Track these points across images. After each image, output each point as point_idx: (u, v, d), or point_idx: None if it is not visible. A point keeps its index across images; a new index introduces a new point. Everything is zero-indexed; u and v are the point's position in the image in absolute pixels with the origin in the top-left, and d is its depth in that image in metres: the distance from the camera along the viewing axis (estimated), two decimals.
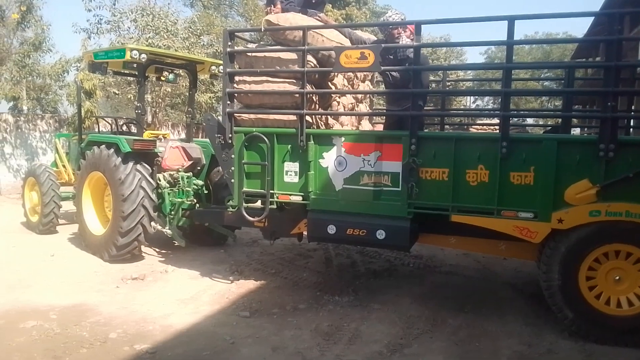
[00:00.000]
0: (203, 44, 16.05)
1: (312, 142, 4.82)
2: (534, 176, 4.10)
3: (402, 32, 5.17)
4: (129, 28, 14.64)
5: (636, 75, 6.40)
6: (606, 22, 4.17)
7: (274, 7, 5.42)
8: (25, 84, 14.64)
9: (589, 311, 4.06)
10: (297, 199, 4.99)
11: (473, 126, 8.49)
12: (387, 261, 6.50)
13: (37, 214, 7.78)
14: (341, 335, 4.17)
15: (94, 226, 6.62)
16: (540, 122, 9.32)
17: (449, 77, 8.72)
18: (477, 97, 38.63)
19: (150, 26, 14.14)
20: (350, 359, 3.76)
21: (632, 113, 8.90)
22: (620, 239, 3.97)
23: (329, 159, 4.81)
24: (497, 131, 4.76)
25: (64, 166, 8.17)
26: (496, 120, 7.16)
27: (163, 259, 6.51)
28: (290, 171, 4.99)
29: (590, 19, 17.00)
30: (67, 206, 8.02)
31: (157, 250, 6.90)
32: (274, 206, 5.10)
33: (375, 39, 5.84)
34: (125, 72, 7.73)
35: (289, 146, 4.94)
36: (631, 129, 7.15)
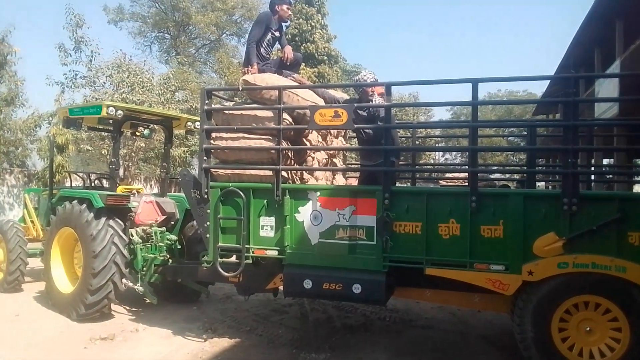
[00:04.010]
0: (178, 99, 16.27)
1: (288, 196, 4.89)
2: (503, 229, 4.24)
3: (375, 90, 5.42)
4: (104, 83, 14.77)
5: (594, 132, 6.79)
6: (563, 83, 4.48)
7: (251, 67, 5.63)
8: None
9: None
10: (272, 253, 5.00)
11: (442, 180, 8.72)
12: (363, 315, 6.45)
13: (2, 272, 7.50)
14: None
15: (62, 284, 6.40)
16: (507, 176, 9.67)
17: (418, 134, 9.03)
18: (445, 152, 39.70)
19: (126, 82, 14.31)
20: None
21: (592, 168, 9.34)
22: (588, 290, 4.09)
23: (304, 213, 4.88)
24: (466, 184, 4.93)
25: (32, 222, 7.96)
26: (465, 174, 7.41)
27: (133, 317, 6.30)
28: (266, 226, 5.03)
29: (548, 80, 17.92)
30: (33, 263, 7.77)
31: (127, 308, 6.68)
32: (250, 261, 5.08)
33: (348, 97, 6.08)
34: (100, 127, 7.77)
35: (265, 201, 5.00)
36: (592, 183, 7.48)
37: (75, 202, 6.18)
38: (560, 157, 4.86)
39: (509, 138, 29.87)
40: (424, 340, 5.56)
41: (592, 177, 7.42)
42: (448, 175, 8.57)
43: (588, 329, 4.12)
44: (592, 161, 13.57)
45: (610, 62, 14.82)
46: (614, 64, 14.07)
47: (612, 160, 16.16)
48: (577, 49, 16.65)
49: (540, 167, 8.70)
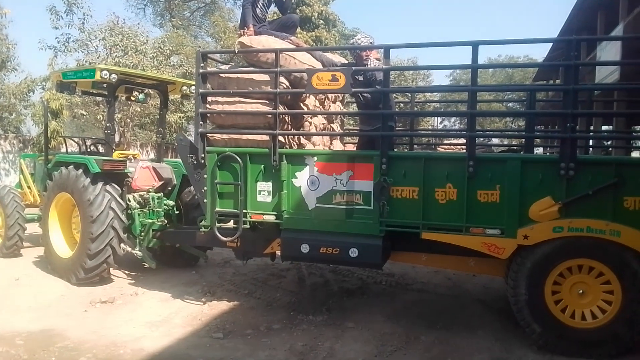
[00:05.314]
0: (173, 64, 16.01)
1: (285, 161, 4.87)
2: (500, 194, 4.26)
3: (370, 54, 5.32)
4: (97, 47, 14.49)
5: (593, 97, 6.72)
6: (564, 48, 4.40)
7: (247, 29, 5.51)
8: None
9: (555, 325, 4.20)
10: (270, 218, 5.01)
11: (441, 146, 8.70)
12: (360, 279, 6.54)
13: (0, 237, 7.53)
14: (316, 355, 4.17)
15: (61, 249, 6.44)
16: (505, 142, 9.63)
17: (417, 99, 8.95)
18: (444, 117, 39.54)
19: (119, 45, 14.04)
20: None
21: (591, 133, 9.30)
22: (582, 254, 4.14)
23: (301, 178, 4.87)
24: (464, 151, 4.91)
25: (29, 187, 7.94)
26: (463, 140, 7.38)
27: (133, 281, 6.38)
28: (263, 191, 5.02)
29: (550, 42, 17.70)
30: (32, 228, 7.80)
31: (127, 272, 6.75)
32: (247, 226, 5.10)
33: (346, 61, 5.98)
34: (94, 92, 7.65)
35: (262, 166, 4.98)
36: (590, 149, 7.47)
37: (71, 167, 6.15)
38: (559, 122, 4.83)
39: (508, 105, 29.74)
40: (420, 303, 5.66)
41: (590, 142, 7.40)
42: (446, 141, 8.54)
43: (581, 291, 4.19)
44: (591, 128, 13.51)
45: (613, 27, 14.58)
46: (617, 28, 13.84)
47: (611, 127, 16.12)
48: (579, 13, 16.35)
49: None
